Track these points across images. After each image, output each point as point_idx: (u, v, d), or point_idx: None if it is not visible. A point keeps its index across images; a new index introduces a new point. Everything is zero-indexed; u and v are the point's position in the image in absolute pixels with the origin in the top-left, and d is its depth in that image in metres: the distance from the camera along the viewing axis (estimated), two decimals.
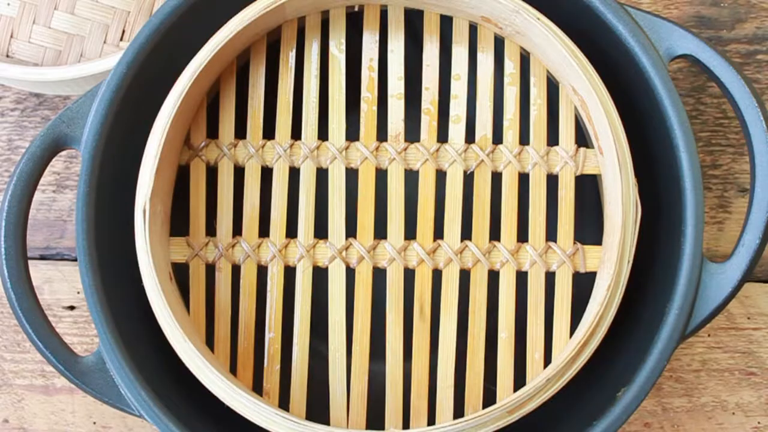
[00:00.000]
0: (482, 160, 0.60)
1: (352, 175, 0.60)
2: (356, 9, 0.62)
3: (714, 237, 0.70)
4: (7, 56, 0.71)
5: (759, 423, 0.68)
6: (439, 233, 0.60)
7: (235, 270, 0.60)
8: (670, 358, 0.55)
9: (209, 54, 0.57)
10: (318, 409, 0.59)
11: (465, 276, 0.59)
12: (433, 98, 0.61)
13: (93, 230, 0.56)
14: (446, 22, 0.61)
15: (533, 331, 0.58)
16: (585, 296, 0.59)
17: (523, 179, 0.60)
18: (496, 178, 0.60)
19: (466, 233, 0.59)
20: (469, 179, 0.60)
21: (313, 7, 0.60)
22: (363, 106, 0.61)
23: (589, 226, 0.61)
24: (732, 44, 0.71)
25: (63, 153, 0.70)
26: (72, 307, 0.70)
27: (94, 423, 0.69)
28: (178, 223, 0.60)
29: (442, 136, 0.60)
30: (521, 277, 0.59)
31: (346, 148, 0.60)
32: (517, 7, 0.57)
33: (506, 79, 0.60)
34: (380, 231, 0.60)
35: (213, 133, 0.61)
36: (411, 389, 0.58)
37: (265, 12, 0.57)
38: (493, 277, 0.59)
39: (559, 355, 0.56)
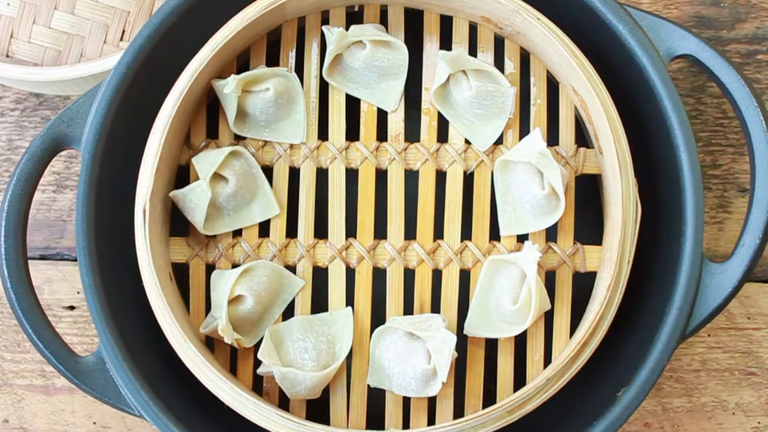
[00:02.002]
0: (482, 160, 0.60)
1: (352, 175, 0.60)
2: (356, 9, 0.62)
3: (714, 237, 0.70)
4: (7, 56, 0.71)
5: (759, 423, 0.68)
6: (439, 233, 0.60)
7: None
8: (670, 358, 0.55)
9: (209, 54, 0.57)
10: (318, 409, 0.59)
11: (465, 276, 0.59)
12: None
13: (93, 230, 0.57)
14: (446, 22, 0.61)
15: (533, 332, 0.58)
16: (585, 296, 0.59)
17: None
18: None
19: (466, 233, 0.59)
20: (469, 179, 0.60)
21: (313, 7, 0.60)
22: (363, 105, 0.61)
23: (589, 226, 0.61)
24: (732, 44, 0.71)
25: (63, 153, 0.70)
26: (72, 307, 0.70)
27: (94, 423, 0.69)
28: (178, 223, 0.60)
29: (442, 136, 0.60)
30: None
31: (346, 148, 0.60)
32: (517, 7, 0.57)
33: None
34: (380, 231, 0.60)
35: (213, 133, 0.61)
36: None
37: (265, 12, 0.57)
38: None
39: (559, 355, 0.56)
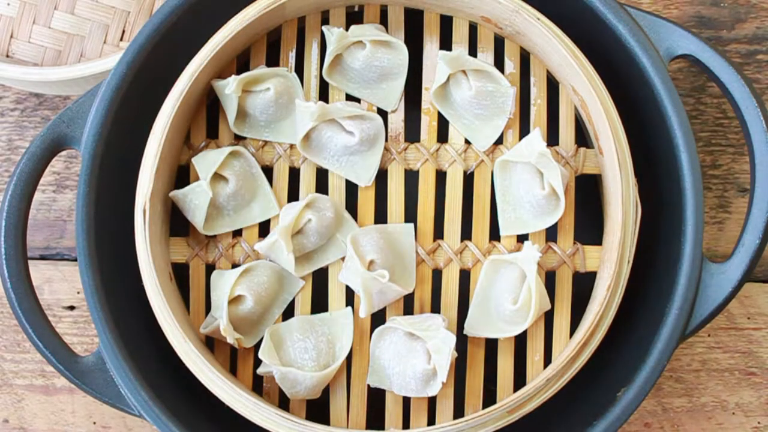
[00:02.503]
0: (482, 160, 0.60)
1: None
2: (356, 9, 0.62)
3: (714, 237, 0.70)
4: (7, 56, 0.71)
5: (759, 423, 0.68)
6: (439, 233, 0.60)
7: None
8: (670, 358, 0.55)
9: (209, 54, 0.57)
10: (318, 409, 0.59)
11: (465, 276, 0.59)
12: None
13: (93, 230, 0.57)
14: (446, 22, 0.61)
15: (533, 332, 0.58)
16: (585, 296, 0.59)
17: None
18: None
19: (466, 233, 0.59)
20: (469, 179, 0.60)
21: (313, 7, 0.60)
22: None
23: (589, 226, 0.61)
24: (732, 44, 0.71)
25: (63, 153, 0.70)
26: (72, 307, 0.70)
27: (94, 423, 0.69)
28: (178, 223, 0.60)
29: (442, 136, 0.60)
30: None
31: None
32: (517, 7, 0.57)
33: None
34: None
35: (213, 133, 0.61)
36: None
37: (265, 12, 0.57)
38: None
39: (559, 355, 0.56)
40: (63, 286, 0.71)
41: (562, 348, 0.58)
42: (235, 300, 0.57)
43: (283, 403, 0.59)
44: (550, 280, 0.59)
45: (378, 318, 0.59)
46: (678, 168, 0.56)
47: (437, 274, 0.59)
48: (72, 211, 0.71)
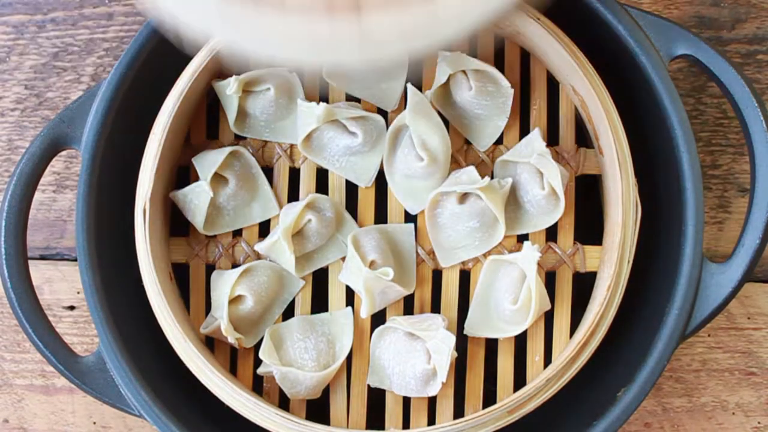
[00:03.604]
0: (482, 160, 0.60)
1: None
2: None
3: (714, 237, 0.70)
4: None
5: (759, 423, 0.68)
6: None
7: None
8: (670, 358, 0.55)
9: (210, 54, 0.57)
10: (318, 409, 0.59)
11: (465, 276, 0.59)
12: None
13: (93, 230, 0.57)
14: None
15: (533, 332, 0.58)
16: (585, 296, 0.59)
17: None
18: None
19: None
20: None
21: None
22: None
23: (589, 226, 0.61)
24: (732, 44, 0.71)
25: (63, 153, 0.70)
26: (72, 307, 0.70)
27: (94, 423, 0.69)
28: (178, 223, 0.60)
29: None
30: None
31: None
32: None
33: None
34: None
35: (213, 133, 0.61)
36: None
37: None
38: None
39: (559, 355, 0.56)
40: (63, 286, 0.71)
41: (562, 348, 0.58)
42: (235, 300, 0.57)
43: (283, 403, 0.59)
44: (550, 280, 0.59)
45: (378, 318, 0.59)
46: (678, 168, 0.56)
47: (437, 274, 0.59)
48: (72, 211, 0.71)
